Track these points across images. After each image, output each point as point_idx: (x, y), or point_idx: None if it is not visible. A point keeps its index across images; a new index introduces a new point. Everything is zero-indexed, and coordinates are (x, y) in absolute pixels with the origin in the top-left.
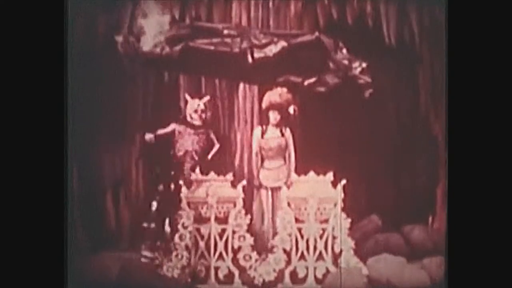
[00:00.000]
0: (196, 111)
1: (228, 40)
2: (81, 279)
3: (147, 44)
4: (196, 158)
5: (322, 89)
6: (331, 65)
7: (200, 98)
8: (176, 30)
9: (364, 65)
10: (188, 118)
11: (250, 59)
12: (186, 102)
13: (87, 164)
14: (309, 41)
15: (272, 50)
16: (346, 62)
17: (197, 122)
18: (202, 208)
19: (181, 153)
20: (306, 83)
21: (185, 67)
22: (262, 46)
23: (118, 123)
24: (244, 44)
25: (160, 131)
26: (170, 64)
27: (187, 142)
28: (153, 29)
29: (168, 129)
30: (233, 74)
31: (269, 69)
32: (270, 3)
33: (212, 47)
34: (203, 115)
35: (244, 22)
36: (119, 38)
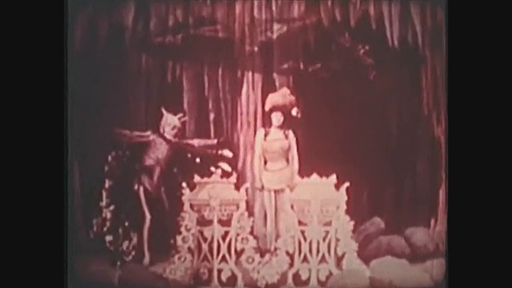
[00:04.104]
0: (169, 125)
1: (230, 27)
2: (81, 279)
3: (149, 33)
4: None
5: (326, 74)
6: (333, 47)
7: (175, 114)
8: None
9: (366, 47)
10: (161, 130)
11: (256, 48)
12: (162, 114)
13: (88, 164)
14: (310, 24)
15: (274, 33)
16: (348, 44)
17: (169, 137)
18: (205, 210)
19: (151, 161)
20: (310, 69)
21: (187, 55)
22: (264, 31)
23: (119, 122)
24: (246, 30)
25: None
26: (172, 53)
27: (159, 151)
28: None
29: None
30: (236, 62)
31: (272, 56)
32: (273, 6)
33: (213, 34)
34: (175, 131)
35: (247, 23)
36: (121, 32)
